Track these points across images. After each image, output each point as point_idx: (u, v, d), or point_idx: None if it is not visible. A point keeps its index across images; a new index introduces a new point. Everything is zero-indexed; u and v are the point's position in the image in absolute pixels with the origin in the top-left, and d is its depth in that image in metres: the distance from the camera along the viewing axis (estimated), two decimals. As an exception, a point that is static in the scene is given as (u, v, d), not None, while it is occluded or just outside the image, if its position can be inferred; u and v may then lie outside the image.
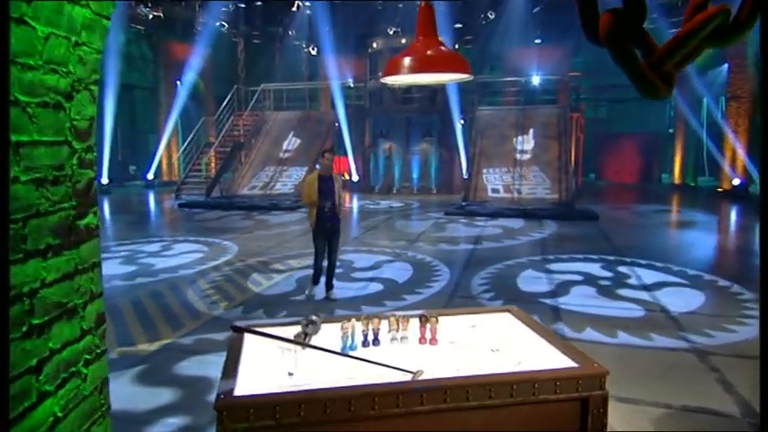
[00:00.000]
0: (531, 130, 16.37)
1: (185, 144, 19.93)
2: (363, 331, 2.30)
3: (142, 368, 4.22)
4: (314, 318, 2.43)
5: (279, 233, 10.62)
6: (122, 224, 12.63)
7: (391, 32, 18.93)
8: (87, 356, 1.41)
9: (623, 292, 6.32)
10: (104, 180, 18.39)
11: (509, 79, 19.28)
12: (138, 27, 19.31)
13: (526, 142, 16.14)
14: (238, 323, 2.45)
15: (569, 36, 19.45)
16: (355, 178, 18.92)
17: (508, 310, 2.71)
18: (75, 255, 1.35)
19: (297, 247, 8.95)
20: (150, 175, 20.37)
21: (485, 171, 15.43)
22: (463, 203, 13.96)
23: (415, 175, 18.25)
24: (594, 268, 7.45)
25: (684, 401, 3.60)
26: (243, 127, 19.01)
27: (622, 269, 7.39)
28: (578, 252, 8.52)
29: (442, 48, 2.22)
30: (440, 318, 2.40)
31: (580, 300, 5.99)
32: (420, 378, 1.93)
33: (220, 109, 19.52)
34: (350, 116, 18.60)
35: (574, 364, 2.05)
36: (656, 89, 1.10)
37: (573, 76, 18.58)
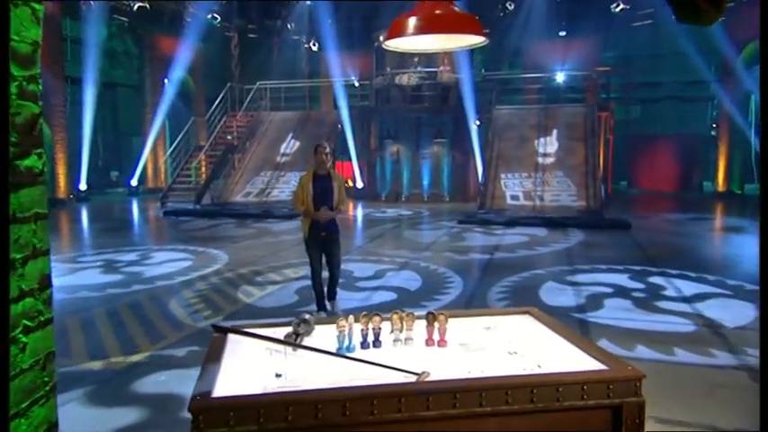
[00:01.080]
0: (555, 132, 16.31)
1: (173, 147, 20.03)
2: (363, 331, 2.25)
3: (113, 383, 4.17)
4: (306, 317, 2.39)
5: (274, 242, 10.61)
6: (99, 232, 12.66)
7: (399, 25, 19.03)
8: (27, 323, 1.34)
9: (663, 304, 6.26)
10: (83, 186, 18.48)
11: (530, 75, 19.26)
12: (122, 19, 19.52)
13: (549, 144, 16.07)
14: (221, 323, 2.39)
15: (598, 28, 19.50)
16: (360, 185, 18.92)
17: (527, 312, 2.66)
18: (12, 199, 1.29)
19: (292, 256, 8.92)
20: (134, 182, 20.45)
21: (503, 176, 15.37)
22: (479, 211, 13.89)
23: (425, 182, 18.21)
24: (624, 279, 7.36)
25: (735, 424, 3.50)
26: (236, 128, 19.09)
27: (659, 280, 7.30)
28: (609, 262, 8.41)
29: (453, 8, 2.19)
30: (451, 319, 2.34)
31: (614, 313, 5.93)
32: (426, 380, 1.87)
33: (212, 109, 19.63)
34: (354, 117, 18.65)
35: (603, 368, 1.98)
36: (699, 12, 1.04)
37: (601, 72, 18.47)
